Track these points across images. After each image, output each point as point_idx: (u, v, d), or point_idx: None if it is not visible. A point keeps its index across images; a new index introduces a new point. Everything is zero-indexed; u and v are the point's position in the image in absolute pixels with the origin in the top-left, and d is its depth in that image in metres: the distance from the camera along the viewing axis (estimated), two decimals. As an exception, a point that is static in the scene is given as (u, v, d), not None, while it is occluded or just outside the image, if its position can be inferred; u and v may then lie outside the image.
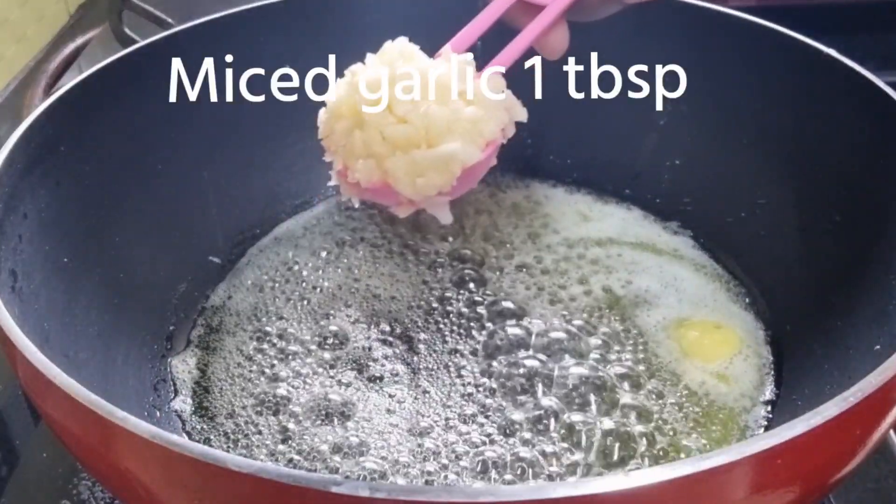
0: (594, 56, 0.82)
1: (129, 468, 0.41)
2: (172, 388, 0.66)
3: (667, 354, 0.66)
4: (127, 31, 0.88)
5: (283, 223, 0.83)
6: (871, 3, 1.16)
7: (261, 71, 0.80)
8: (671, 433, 0.60)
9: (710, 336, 0.69)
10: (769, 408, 0.63)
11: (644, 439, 0.59)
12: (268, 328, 0.71)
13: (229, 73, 0.78)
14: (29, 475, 0.64)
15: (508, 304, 0.72)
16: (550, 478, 0.56)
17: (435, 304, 0.72)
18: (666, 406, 0.62)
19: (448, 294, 0.73)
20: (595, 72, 0.82)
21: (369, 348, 0.68)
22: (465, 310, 0.71)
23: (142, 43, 0.73)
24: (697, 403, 0.62)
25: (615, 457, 0.58)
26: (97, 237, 0.65)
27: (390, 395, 0.64)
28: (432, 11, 0.85)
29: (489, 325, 0.70)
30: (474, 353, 0.67)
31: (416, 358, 0.67)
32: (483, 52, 0.86)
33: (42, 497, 0.62)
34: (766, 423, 0.62)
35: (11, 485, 0.63)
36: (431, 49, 0.85)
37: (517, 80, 0.87)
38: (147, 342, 0.68)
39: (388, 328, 0.70)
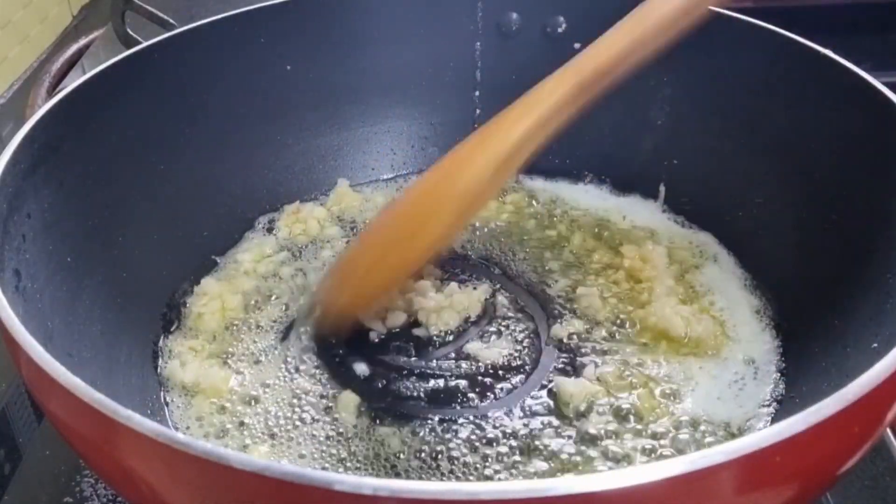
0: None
1: (132, 466, 0.41)
2: (176, 386, 0.66)
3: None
4: (130, 32, 0.88)
5: (284, 223, 0.83)
6: (867, 3, 1.16)
7: (261, 71, 0.81)
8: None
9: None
10: (768, 406, 0.63)
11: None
12: (271, 328, 0.71)
13: (230, 73, 0.79)
14: (32, 473, 0.64)
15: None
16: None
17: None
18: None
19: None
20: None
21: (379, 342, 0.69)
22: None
23: (144, 44, 0.73)
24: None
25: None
26: (100, 237, 0.65)
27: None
28: (432, 13, 0.85)
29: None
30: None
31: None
32: (482, 54, 0.87)
33: (45, 494, 0.62)
34: (765, 419, 0.62)
35: (14, 482, 0.63)
36: (431, 51, 0.86)
37: (518, 81, 0.88)
38: (149, 340, 0.68)
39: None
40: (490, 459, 0.58)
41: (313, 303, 0.72)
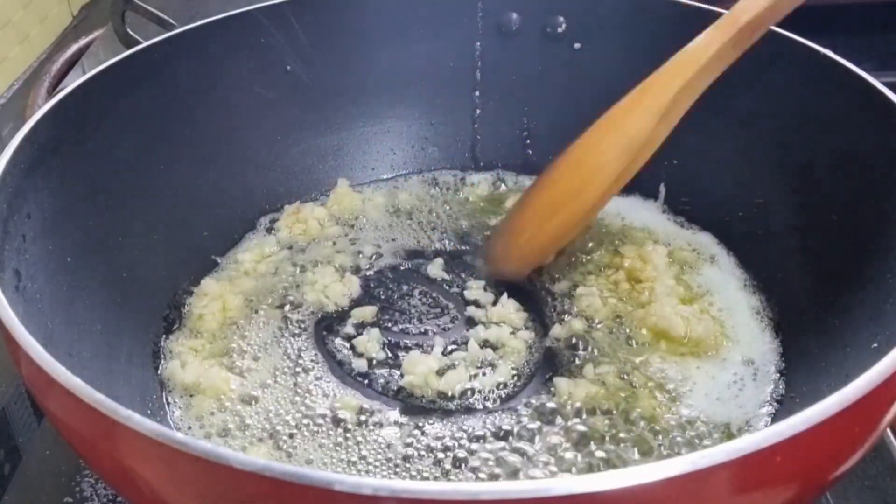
0: (595, 57, 0.83)
1: (132, 466, 0.41)
2: (176, 386, 0.66)
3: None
4: (130, 32, 0.88)
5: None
6: (867, 3, 1.16)
7: (261, 71, 0.81)
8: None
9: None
10: (768, 406, 0.63)
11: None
12: (271, 328, 0.71)
13: (230, 73, 0.79)
14: (32, 473, 0.64)
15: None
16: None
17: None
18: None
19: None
20: (595, 73, 0.83)
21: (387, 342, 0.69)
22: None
23: (144, 44, 0.73)
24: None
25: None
26: (100, 236, 0.65)
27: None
28: (432, 13, 0.85)
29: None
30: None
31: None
32: (482, 54, 0.87)
33: (45, 494, 0.62)
34: (765, 419, 0.62)
35: (14, 482, 0.63)
36: (431, 51, 0.86)
37: (518, 81, 0.88)
38: (150, 341, 0.68)
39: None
40: (492, 459, 0.58)
41: (483, 262, 0.76)
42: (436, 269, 0.77)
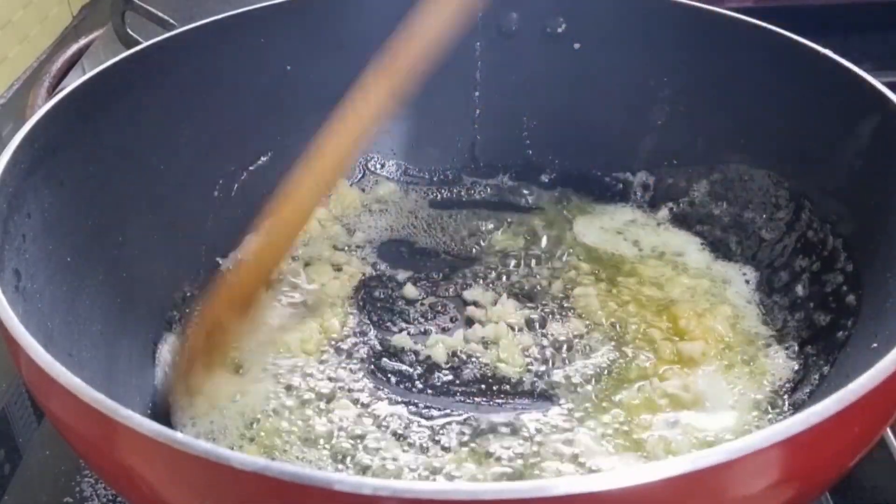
0: (595, 57, 0.83)
1: (132, 466, 0.41)
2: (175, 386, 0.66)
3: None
4: (130, 32, 0.88)
5: (284, 223, 0.83)
6: (867, 3, 1.16)
7: (262, 72, 0.81)
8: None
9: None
10: (768, 407, 0.63)
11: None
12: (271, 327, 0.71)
13: (230, 73, 0.79)
14: (32, 473, 0.64)
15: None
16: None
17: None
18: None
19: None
20: (595, 73, 0.83)
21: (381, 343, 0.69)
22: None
23: (145, 44, 0.73)
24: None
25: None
26: (100, 237, 0.65)
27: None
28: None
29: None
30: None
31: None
32: (482, 54, 0.87)
33: (45, 495, 0.62)
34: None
35: (14, 483, 0.63)
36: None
37: (521, 84, 0.88)
38: (150, 341, 0.68)
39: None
40: (490, 460, 0.58)
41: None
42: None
